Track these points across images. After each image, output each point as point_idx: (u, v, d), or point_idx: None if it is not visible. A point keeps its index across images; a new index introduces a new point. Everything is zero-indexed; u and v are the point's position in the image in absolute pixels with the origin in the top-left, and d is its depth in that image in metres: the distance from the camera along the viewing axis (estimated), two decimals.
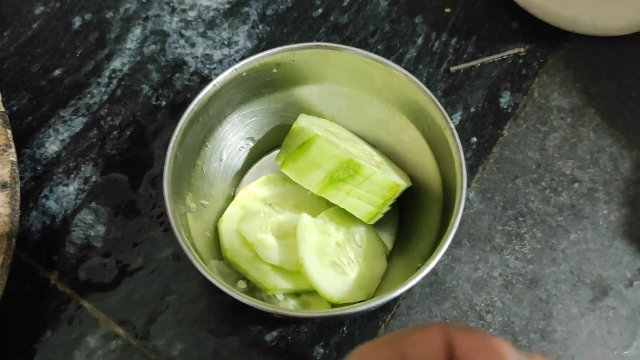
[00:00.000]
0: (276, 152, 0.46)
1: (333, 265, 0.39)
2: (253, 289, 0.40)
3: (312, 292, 0.40)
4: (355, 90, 0.43)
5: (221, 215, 0.42)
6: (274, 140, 0.45)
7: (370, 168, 0.38)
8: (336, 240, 0.41)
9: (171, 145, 0.38)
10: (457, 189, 0.37)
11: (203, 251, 0.39)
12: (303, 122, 0.42)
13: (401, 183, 0.40)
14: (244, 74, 0.41)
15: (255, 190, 0.43)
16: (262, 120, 0.44)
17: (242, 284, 0.40)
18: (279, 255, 0.40)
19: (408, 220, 0.43)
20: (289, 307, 0.40)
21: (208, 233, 0.41)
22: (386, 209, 0.41)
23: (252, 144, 0.45)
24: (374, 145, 0.45)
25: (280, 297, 0.40)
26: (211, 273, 0.35)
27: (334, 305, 0.39)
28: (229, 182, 0.44)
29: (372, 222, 0.41)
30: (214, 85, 0.39)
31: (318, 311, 0.39)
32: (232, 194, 0.45)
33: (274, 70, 0.42)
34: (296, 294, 0.41)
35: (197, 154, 0.41)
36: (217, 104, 0.41)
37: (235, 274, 0.40)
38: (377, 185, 0.39)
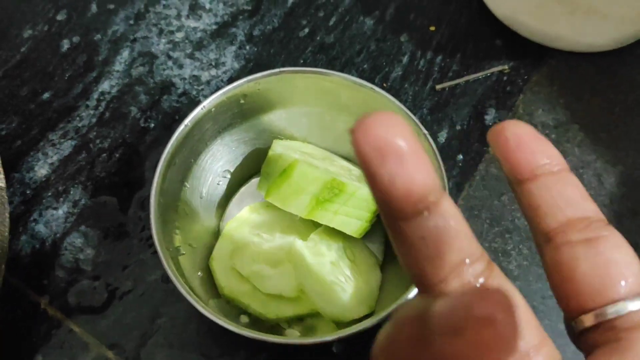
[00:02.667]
0: (253, 180, 0.46)
1: (332, 285, 0.40)
2: (256, 321, 0.40)
3: (315, 315, 0.40)
4: (322, 109, 0.44)
5: (210, 253, 0.42)
6: (250, 168, 0.46)
7: (353, 184, 0.39)
8: (330, 260, 0.41)
9: (153, 192, 0.37)
10: None
11: (200, 292, 0.39)
12: (278, 148, 0.42)
13: None
14: (213, 109, 0.41)
15: (241, 222, 0.43)
16: (235, 152, 0.45)
17: (244, 319, 0.40)
18: (276, 283, 0.40)
19: None
20: (295, 333, 0.40)
21: (200, 273, 0.41)
22: (373, 220, 0.41)
23: (229, 176, 0.45)
24: (348, 159, 0.45)
25: (283, 325, 0.40)
26: (197, 300, 0.35)
27: (337, 323, 0.39)
28: (212, 218, 0.44)
29: (362, 235, 0.41)
30: (185, 125, 0.39)
31: (307, 338, 0.39)
32: (218, 228, 0.45)
33: (242, 101, 0.42)
34: (299, 319, 0.41)
35: (177, 196, 0.41)
36: (190, 143, 0.41)
37: (236, 309, 0.41)
38: (363, 200, 0.39)
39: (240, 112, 0.43)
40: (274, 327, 0.40)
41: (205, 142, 0.42)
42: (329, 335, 0.35)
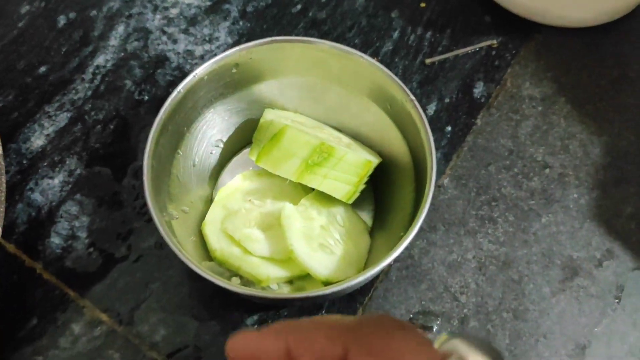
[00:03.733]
0: (246, 150, 0.47)
1: (321, 247, 0.41)
2: (247, 283, 0.41)
3: (305, 277, 0.41)
4: (313, 79, 0.44)
5: (203, 219, 0.43)
6: (242, 138, 0.47)
7: (342, 149, 0.40)
8: (320, 224, 0.42)
9: (146, 156, 0.38)
10: (426, 156, 0.39)
11: (192, 255, 0.39)
12: (270, 115, 0.43)
13: (373, 159, 0.42)
14: (205, 77, 0.42)
15: (233, 189, 0.44)
16: (228, 121, 0.45)
17: (236, 280, 0.41)
18: (267, 246, 0.41)
19: (383, 195, 0.45)
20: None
21: (194, 237, 0.42)
22: (362, 186, 0.42)
23: (221, 146, 0.46)
24: (339, 129, 0.46)
25: (274, 286, 0.41)
26: (190, 259, 0.36)
27: (326, 284, 0.40)
28: (205, 186, 0.45)
29: (351, 201, 0.42)
30: (178, 92, 0.40)
31: (296, 293, 0.40)
32: (211, 196, 0.45)
33: (234, 71, 0.43)
34: (289, 282, 0.42)
35: (170, 162, 0.42)
36: (183, 111, 0.41)
37: (228, 272, 0.42)
38: (351, 165, 0.40)
39: (233, 82, 0.44)
40: (265, 289, 0.41)
41: (198, 110, 0.43)
42: (319, 290, 0.36)
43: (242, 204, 0.43)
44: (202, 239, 0.42)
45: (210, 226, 0.42)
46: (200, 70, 0.41)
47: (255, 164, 0.42)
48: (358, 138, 0.46)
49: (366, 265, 0.42)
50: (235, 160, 0.47)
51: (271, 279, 0.40)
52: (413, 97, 0.40)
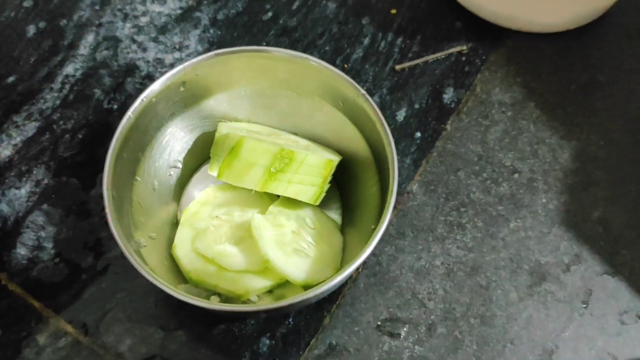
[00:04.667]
0: (204, 166, 0.47)
1: (295, 252, 0.41)
2: (227, 300, 0.41)
3: (284, 285, 0.41)
4: (262, 86, 0.45)
5: (172, 242, 0.43)
6: (199, 155, 0.46)
7: (302, 152, 0.40)
8: (291, 229, 0.42)
9: (104, 186, 0.38)
10: (385, 147, 0.39)
11: (167, 279, 0.39)
12: (224, 129, 0.43)
13: (334, 158, 0.42)
14: (154, 99, 0.41)
15: (198, 207, 0.44)
16: (182, 140, 0.45)
17: (215, 299, 0.41)
18: (242, 260, 0.41)
19: (348, 191, 0.45)
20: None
21: (165, 262, 0.42)
22: (326, 186, 0.42)
23: (179, 166, 0.45)
24: (294, 133, 0.46)
25: (254, 298, 0.41)
26: (154, 276, 0.36)
27: (306, 288, 0.40)
28: (168, 209, 0.45)
29: (318, 202, 0.42)
30: (128, 118, 0.40)
31: (260, 305, 0.40)
32: (176, 218, 0.45)
33: (181, 89, 0.43)
34: (269, 291, 0.42)
35: (130, 189, 0.41)
36: (136, 136, 0.41)
37: (205, 291, 0.41)
38: (313, 166, 0.40)
39: (182, 100, 0.44)
40: (245, 302, 0.41)
41: (150, 133, 0.43)
42: (286, 301, 0.36)
43: (210, 221, 0.43)
44: (173, 262, 0.42)
45: (180, 248, 0.42)
46: (146, 95, 0.41)
47: (215, 179, 0.42)
48: (315, 139, 0.46)
49: (342, 263, 0.42)
50: (195, 178, 0.47)
51: (250, 291, 0.40)
52: (364, 92, 0.41)
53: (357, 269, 0.42)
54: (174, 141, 0.45)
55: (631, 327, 0.43)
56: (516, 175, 0.48)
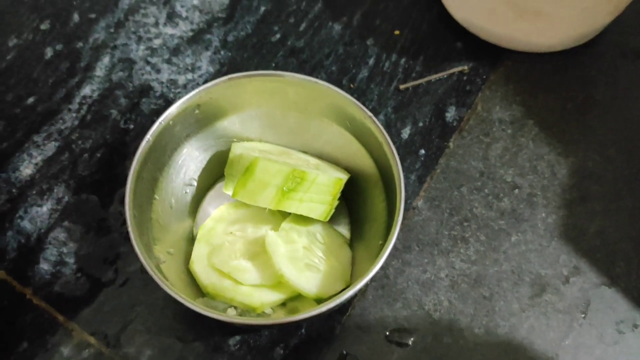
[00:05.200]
0: (218, 184, 0.49)
1: (307, 267, 0.43)
2: (243, 312, 0.43)
3: (297, 298, 0.43)
4: (272, 108, 0.47)
5: (188, 258, 0.45)
6: (213, 173, 0.48)
7: (313, 172, 0.42)
8: (302, 245, 0.44)
9: (126, 206, 0.40)
10: (392, 167, 0.41)
11: (185, 293, 0.41)
12: (238, 150, 0.45)
13: (343, 176, 0.44)
14: (171, 122, 0.43)
15: (213, 224, 0.46)
16: (197, 159, 0.47)
17: (232, 311, 0.43)
18: (256, 274, 0.43)
19: (356, 207, 0.47)
20: (282, 316, 0.43)
21: (183, 276, 0.44)
22: (336, 203, 0.44)
23: (195, 184, 0.47)
24: (304, 151, 0.48)
25: (269, 311, 0.43)
26: (173, 285, 0.38)
27: (319, 302, 0.42)
28: (185, 225, 0.47)
29: (327, 218, 0.44)
30: (147, 140, 0.42)
31: (275, 318, 0.42)
32: (192, 234, 0.47)
33: (196, 112, 0.45)
34: (283, 304, 0.44)
35: (150, 208, 0.43)
36: (154, 157, 0.43)
37: (222, 304, 0.43)
38: (323, 185, 0.43)
39: (196, 122, 0.46)
40: (260, 315, 0.43)
41: (167, 154, 0.45)
42: (301, 315, 0.38)
43: (225, 237, 0.45)
44: (191, 277, 0.44)
45: (197, 264, 0.44)
46: (164, 118, 0.43)
47: (229, 196, 0.44)
48: (323, 157, 0.48)
49: (352, 277, 0.44)
50: (210, 195, 0.49)
51: (265, 304, 0.42)
52: (371, 114, 0.43)
53: None
54: (190, 160, 0.47)
55: (628, 336, 0.45)
56: (516, 191, 0.50)
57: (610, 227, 0.48)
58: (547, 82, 0.55)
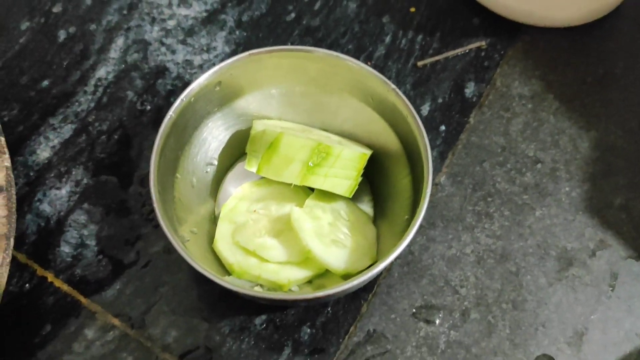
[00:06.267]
0: (239, 163, 0.48)
1: (334, 243, 0.42)
2: (269, 291, 0.42)
3: (323, 275, 0.43)
4: (291, 85, 0.46)
5: (212, 237, 0.44)
6: (234, 152, 0.48)
7: (337, 147, 0.41)
8: (327, 221, 0.43)
9: (151, 183, 0.39)
10: (417, 139, 0.41)
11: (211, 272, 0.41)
12: (259, 126, 0.45)
13: (367, 151, 0.44)
14: (192, 99, 0.43)
15: (236, 203, 0.45)
16: (217, 138, 0.46)
17: (258, 289, 0.42)
18: (282, 251, 0.42)
19: (378, 184, 0.47)
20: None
21: (207, 255, 0.43)
22: (360, 179, 0.44)
23: (215, 163, 0.47)
24: (324, 129, 0.48)
25: (295, 288, 0.43)
26: (199, 263, 0.38)
27: (346, 278, 0.41)
28: (207, 205, 0.46)
29: (352, 194, 0.44)
30: (170, 117, 0.42)
31: (305, 293, 0.42)
32: (214, 214, 0.46)
33: (217, 89, 0.44)
34: (309, 281, 0.43)
35: (172, 187, 0.43)
36: (176, 134, 0.42)
37: (248, 283, 0.43)
38: (348, 160, 0.42)
39: (217, 100, 0.45)
40: (288, 293, 0.42)
41: (189, 132, 0.44)
42: (329, 290, 0.38)
43: (249, 215, 0.44)
44: (215, 256, 0.43)
45: (221, 242, 0.43)
46: (187, 93, 0.42)
47: (251, 174, 0.44)
48: (344, 134, 0.47)
49: (378, 253, 0.44)
50: (231, 174, 0.48)
51: (292, 282, 0.42)
52: (394, 87, 0.42)
53: None
54: (211, 139, 0.46)
55: None
56: (539, 165, 0.49)
57: (635, 200, 0.48)
58: (566, 57, 0.54)
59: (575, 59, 0.54)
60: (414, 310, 0.44)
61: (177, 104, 0.42)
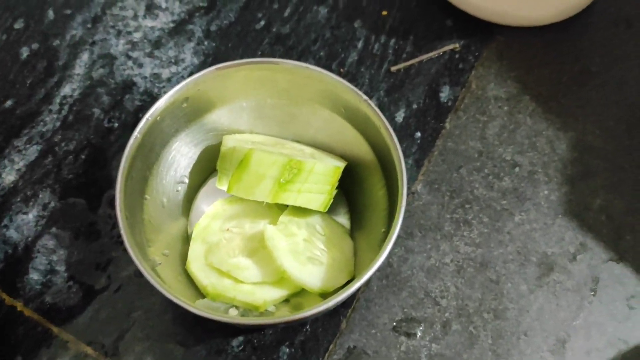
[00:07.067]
0: (211, 180, 0.47)
1: (310, 260, 0.41)
2: (245, 312, 0.41)
3: (300, 293, 0.42)
4: (262, 98, 0.45)
5: (185, 258, 0.43)
6: (205, 169, 0.47)
7: (309, 161, 0.40)
8: (302, 238, 0.42)
9: (117, 208, 0.38)
10: (391, 151, 0.40)
11: (184, 295, 0.39)
12: (230, 142, 0.44)
13: (340, 164, 0.43)
14: (158, 117, 0.42)
15: (208, 221, 0.44)
16: (187, 155, 0.45)
17: (233, 311, 0.41)
18: (257, 271, 0.41)
19: (354, 196, 0.46)
20: (285, 313, 0.42)
21: (180, 278, 0.42)
22: (334, 192, 0.43)
23: (186, 181, 0.45)
24: (297, 141, 0.47)
25: (272, 309, 0.42)
26: (171, 288, 0.37)
27: (324, 296, 0.40)
28: (179, 224, 0.45)
29: (327, 209, 0.43)
30: (135, 137, 0.40)
31: (279, 317, 0.41)
32: (187, 233, 0.45)
33: (184, 105, 0.43)
34: (286, 301, 0.42)
35: (141, 208, 0.41)
36: (142, 155, 0.41)
37: (223, 305, 0.41)
38: (321, 174, 0.41)
39: (185, 116, 0.44)
40: (263, 313, 0.41)
41: (156, 151, 0.43)
42: (303, 312, 0.36)
43: (221, 235, 0.43)
44: (188, 278, 0.42)
45: (195, 264, 0.42)
46: (153, 112, 0.41)
47: (223, 192, 0.42)
48: (317, 145, 0.46)
49: (355, 268, 0.43)
50: (203, 191, 0.47)
51: (268, 302, 0.41)
52: (366, 98, 0.41)
53: None
54: (180, 157, 0.45)
55: (639, 311, 0.44)
56: (517, 169, 0.49)
57: (615, 201, 0.47)
58: (541, 56, 0.54)
59: (551, 57, 0.53)
60: (394, 324, 0.43)
61: (143, 123, 0.41)
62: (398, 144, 0.40)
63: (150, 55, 0.53)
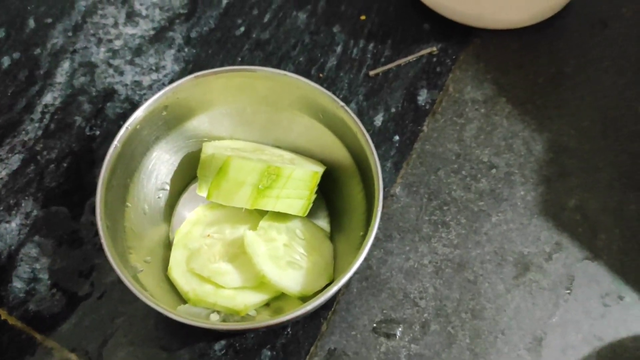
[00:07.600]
0: (192, 186, 0.48)
1: (289, 265, 0.42)
2: (226, 316, 0.42)
3: (280, 297, 0.42)
4: (241, 104, 0.46)
5: (166, 264, 0.43)
6: (186, 175, 0.47)
7: (288, 167, 0.41)
8: (282, 242, 0.43)
9: (98, 217, 0.39)
10: (367, 156, 0.41)
11: (166, 301, 0.40)
12: (209, 149, 0.44)
13: (319, 169, 0.44)
14: (138, 126, 0.42)
15: (189, 227, 0.45)
16: (168, 162, 0.46)
17: (215, 316, 0.42)
18: (237, 276, 0.42)
19: (334, 199, 0.47)
20: (266, 317, 0.42)
21: (162, 284, 0.43)
22: (313, 197, 0.43)
23: (167, 188, 0.46)
24: (277, 146, 0.47)
25: (253, 313, 0.42)
26: (152, 294, 0.37)
27: (304, 299, 0.41)
28: (160, 231, 0.45)
29: (306, 213, 0.43)
30: (115, 146, 0.41)
31: (260, 321, 0.41)
32: (168, 240, 0.46)
33: (164, 113, 0.44)
34: (266, 305, 0.43)
35: (122, 216, 0.42)
36: (123, 163, 0.42)
37: (205, 310, 0.42)
38: (300, 180, 0.42)
39: (165, 124, 0.44)
40: (244, 317, 0.42)
41: (137, 159, 0.44)
42: (283, 316, 0.37)
43: (203, 241, 0.44)
44: (170, 284, 0.43)
45: (176, 270, 0.43)
46: (132, 121, 0.42)
47: (204, 198, 0.43)
48: (297, 150, 0.47)
49: (335, 271, 0.44)
50: (184, 198, 0.47)
51: (248, 306, 0.41)
52: (343, 104, 0.42)
53: None
54: (160, 164, 0.46)
55: (614, 309, 0.45)
56: (494, 171, 0.49)
57: (590, 200, 0.48)
58: (517, 59, 0.54)
59: (527, 60, 0.54)
60: (374, 325, 0.44)
61: (122, 132, 0.41)
62: (374, 149, 0.41)
63: (131, 62, 0.54)
